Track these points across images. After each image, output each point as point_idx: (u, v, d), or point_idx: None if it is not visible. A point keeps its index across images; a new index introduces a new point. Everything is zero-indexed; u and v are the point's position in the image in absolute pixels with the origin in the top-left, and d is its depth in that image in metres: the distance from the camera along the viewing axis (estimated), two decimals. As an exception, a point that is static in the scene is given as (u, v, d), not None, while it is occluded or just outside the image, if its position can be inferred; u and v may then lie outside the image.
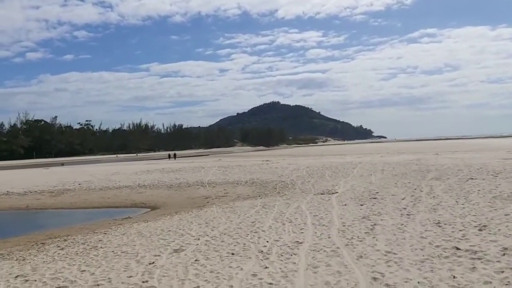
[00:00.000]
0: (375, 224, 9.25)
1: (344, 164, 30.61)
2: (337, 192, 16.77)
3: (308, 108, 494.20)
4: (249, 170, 30.50)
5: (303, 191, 18.43)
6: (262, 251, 7.55)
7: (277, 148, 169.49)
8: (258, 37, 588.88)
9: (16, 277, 7.04)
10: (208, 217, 12.77)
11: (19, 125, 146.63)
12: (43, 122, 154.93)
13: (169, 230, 10.86)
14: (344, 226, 9.37)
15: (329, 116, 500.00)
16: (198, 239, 9.24)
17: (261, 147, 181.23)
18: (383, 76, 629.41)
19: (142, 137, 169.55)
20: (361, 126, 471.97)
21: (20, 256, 8.98)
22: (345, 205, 12.83)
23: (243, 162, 41.25)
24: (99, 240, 10.27)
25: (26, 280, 6.79)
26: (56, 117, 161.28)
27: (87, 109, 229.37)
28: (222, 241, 8.75)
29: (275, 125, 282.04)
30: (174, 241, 9.23)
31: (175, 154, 66.15)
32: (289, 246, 7.76)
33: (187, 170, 33.07)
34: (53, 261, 8.23)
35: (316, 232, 8.92)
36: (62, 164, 60.62)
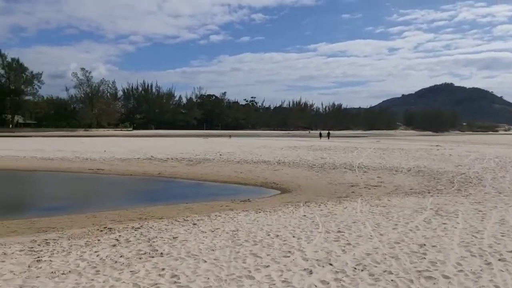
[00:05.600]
0: None
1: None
2: None
3: (488, 91, 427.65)
4: (413, 155, 24.34)
5: (500, 191, 12.29)
6: None
7: (447, 134, 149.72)
8: (437, 12, 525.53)
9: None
10: (345, 218, 8.28)
11: (194, 99, 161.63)
12: (214, 97, 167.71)
13: (277, 236, 6.79)
14: None
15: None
16: (310, 271, 4.90)
17: (428, 132, 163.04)
18: None
19: (300, 115, 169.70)
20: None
21: (54, 250, 6.06)
22: None
23: (406, 145, 34.56)
24: (174, 237, 6.83)
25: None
26: (225, 93, 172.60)
27: (257, 87, 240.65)
28: (354, 292, 4.24)
29: (446, 109, 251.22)
30: (268, 266, 5.10)
31: (328, 133, 61.74)
32: None
33: (337, 150, 28.54)
34: (65, 274, 4.97)
35: None
36: (230, 136, 62.44)
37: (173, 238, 6.85)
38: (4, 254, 5.90)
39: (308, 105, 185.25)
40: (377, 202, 10.47)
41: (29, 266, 5.28)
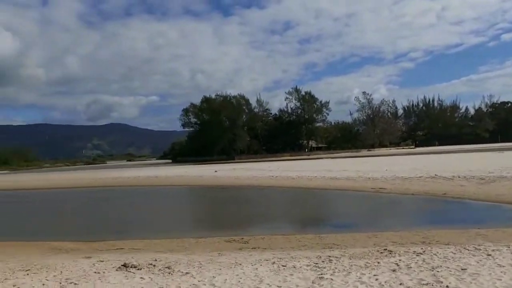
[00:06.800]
0: None
1: None
2: None
3: None
4: None
5: None
6: None
7: None
8: None
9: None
10: None
11: (484, 109, 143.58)
12: (510, 104, 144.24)
13: None
14: None
15: None
16: None
17: None
18: None
19: None
20: None
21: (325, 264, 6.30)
22: None
23: None
24: (462, 269, 5.94)
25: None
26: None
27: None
28: None
29: None
30: None
31: None
32: None
33: None
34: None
35: None
36: None
37: (462, 269, 5.94)
38: (294, 267, 6.53)
39: None
40: None
41: (312, 282, 5.62)
